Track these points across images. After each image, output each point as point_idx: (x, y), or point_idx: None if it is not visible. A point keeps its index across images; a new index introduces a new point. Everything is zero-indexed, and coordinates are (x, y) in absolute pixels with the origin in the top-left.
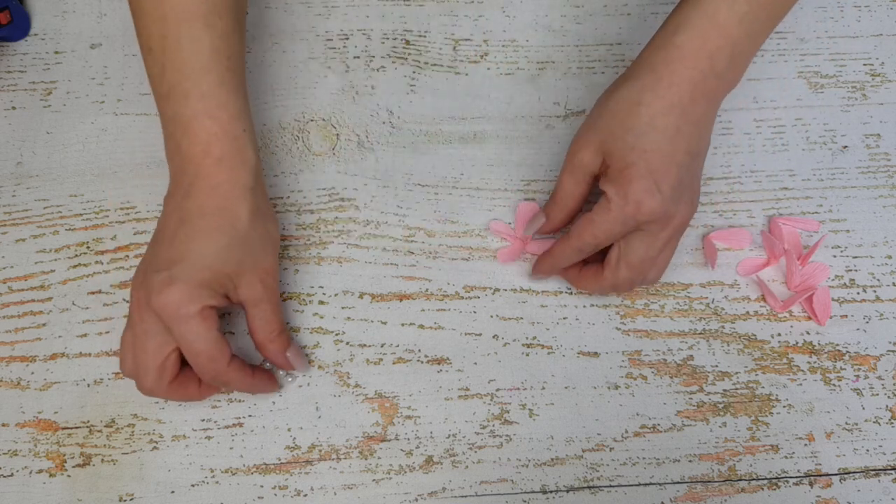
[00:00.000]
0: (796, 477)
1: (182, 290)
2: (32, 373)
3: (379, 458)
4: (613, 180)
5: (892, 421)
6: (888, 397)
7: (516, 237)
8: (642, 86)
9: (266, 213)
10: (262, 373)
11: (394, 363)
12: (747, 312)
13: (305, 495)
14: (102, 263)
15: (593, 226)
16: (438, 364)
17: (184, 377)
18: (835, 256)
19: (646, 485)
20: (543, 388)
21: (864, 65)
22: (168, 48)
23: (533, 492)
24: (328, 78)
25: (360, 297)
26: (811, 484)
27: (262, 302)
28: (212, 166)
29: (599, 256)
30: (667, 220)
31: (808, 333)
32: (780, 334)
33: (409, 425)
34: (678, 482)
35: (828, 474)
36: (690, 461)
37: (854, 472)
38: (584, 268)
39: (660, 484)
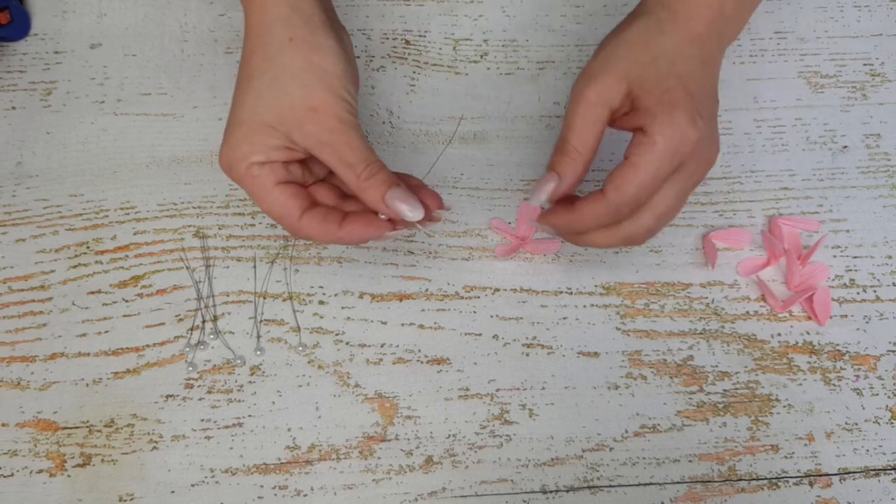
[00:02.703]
0: (796, 477)
1: (224, 153)
2: (32, 373)
3: (379, 458)
4: (652, 110)
5: (892, 421)
6: (888, 397)
7: (516, 235)
8: (659, 18)
9: (310, 42)
10: (355, 221)
11: (394, 363)
12: (747, 312)
13: (305, 495)
14: (102, 263)
15: (637, 171)
16: (438, 364)
17: (309, 217)
18: (835, 256)
19: (646, 485)
20: (543, 388)
21: (864, 65)
22: None
23: (533, 492)
24: None
25: (360, 297)
26: (811, 484)
27: (321, 145)
28: (248, 11)
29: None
30: (704, 159)
31: (808, 333)
32: (780, 334)
33: (409, 425)
34: (678, 482)
35: (828, 474)
36: (690, 461)
37: (854, 472)
38: (579, 202)
39: (660, 484)
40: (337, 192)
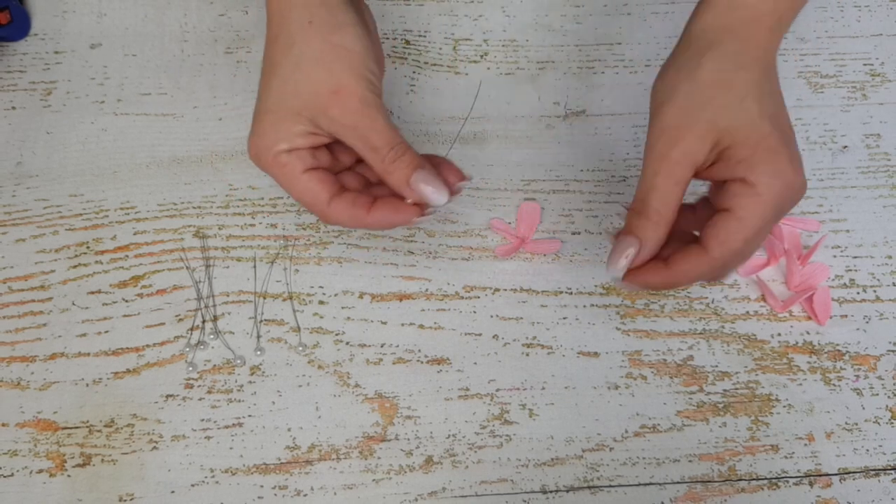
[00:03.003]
0: (796, 477)
1: (252, 143)
2: (32, 373)
3: (379, 458)
4: (749, 160)
5: (892, 421)
6: (888, 397)
7: (516, 235)
8: (733, 51)
9: (329, 23)
10: (384, 207)
11: (394, 363)
12: (747, 312)
13: (305, 495)
14: (102, 263)
15: (743, 225)
16: (438, 364)
17: (338, 202)
18: (835, 256)
19: (646, 485)
20: (543, 388)
21: (864, 65)
22: None
23: (533, 492)
24: None
25: (360, 297)
26: (811, 484)
27: (345, 129)
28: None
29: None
30: (800, 198)
31: (808, 333)
32: (780, 334)
33: (409, 425)
34: (678, 482)
35: (828, 474)
36: (690, 461)
37: (854, 472)
38: (675, 259)
39: (660, 484)
40: (363, 181)
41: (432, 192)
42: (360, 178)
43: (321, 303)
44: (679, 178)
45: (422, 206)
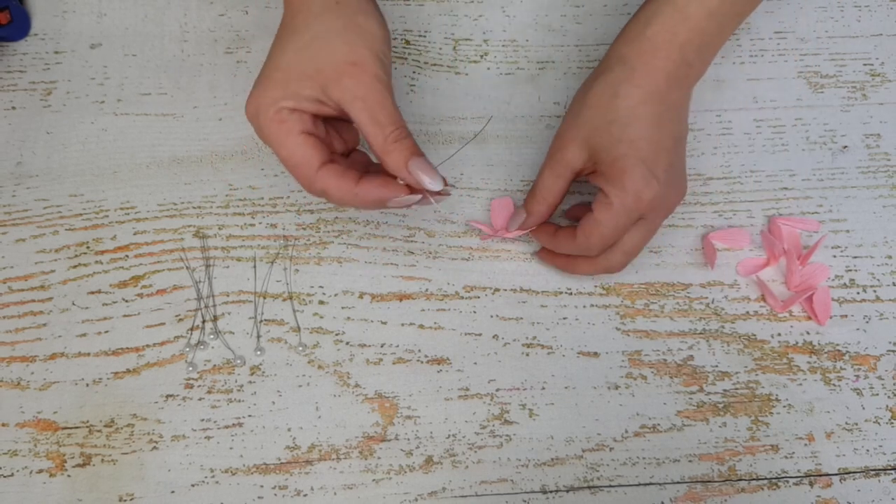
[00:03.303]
0: (796, 477)
1: (254, 96)
2: (32, 373)
3: (379, 458)
4: (607, 175)
5: (892, 421)
6: (888, 397)
7: (493, 232)
8: (617, 78)
9: (355, 6)
10: (373, 180)
11: (394, 363)
12: (747, 312)
13: (305, 495)
14: (102, 263)
15: (599, 226)
16: (438, 364)
17: (327, 170)
18: (835, 256)
19: (646, 485)
20: (543, 388)
21: (864, 65)
22: None
23: (533, 492)
24: None
25: (360, 297)
26: (811, 484)
27: (355, 100)
28: None
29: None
30: (665, 207)
31: (808, 333)
32: (780, 334)
33: (409, 425)
34: (678, 482)
35: (828, 474)
36: (690, 461)
37: (854, 472)
38: (559, 232)
39: (660, 484)
40: (354, 165)
41: (429, 180)
42: (351, 162)
43: (321, 303)
44: (558, 175)
45: (411, 188)
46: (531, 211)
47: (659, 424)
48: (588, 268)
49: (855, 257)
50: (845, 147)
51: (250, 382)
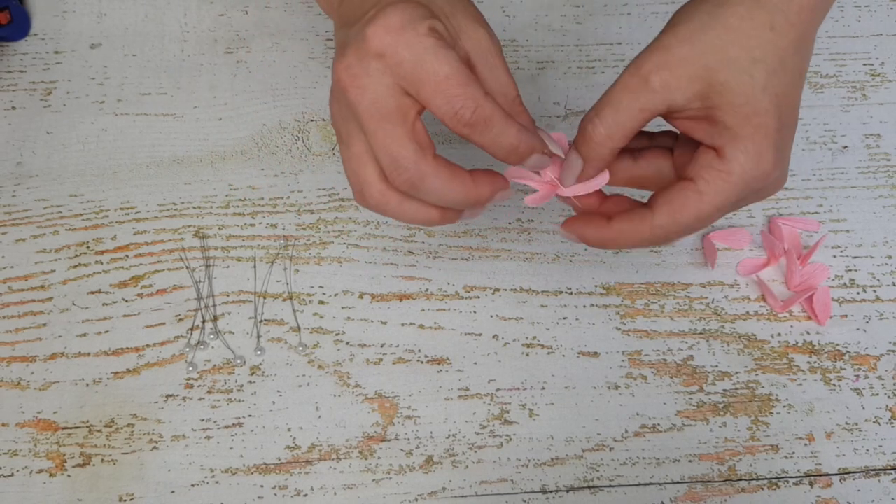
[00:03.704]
0: (796, 477)
1: (398, 9)
2: (32, 373)
3: (379, 458)
4: (733, 131)
5: (892, 421)
6: (888, 397)
7: (543, 181)
8: (773, 5)
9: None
10: (486, 176)
11: (394, 363)
12: (747, 312)
13: (305, 495)
14: (102, 263)
15: (702, 200)
16: (438, 364)
17: (440, 160)
18: (835, 256)
19: (646, 485)
20: (543, 388)
21: (864, 65)
22: None
23: (533, 492)
24: (328, 78)
25: (360, 297)
26: (811, 484)
27: (488, 55)
28: None
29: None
30: (769, 192)
31: (808, 333)
32: (780, 334)
33: (409, 425)
34: (678, 482)
35: (828, 474)
36: (690, 461)
37: (854, 472)
38: (619, 218)
39: (660, 484)
40: None
41: (553, 145)
42: None
43: (321, 303)
44: (643, 106)
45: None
46: (589, 156)
47: (659, 424)
48: (636, 238)
49: (855, 257)
50: (845, 147)
51: (250, 382)
